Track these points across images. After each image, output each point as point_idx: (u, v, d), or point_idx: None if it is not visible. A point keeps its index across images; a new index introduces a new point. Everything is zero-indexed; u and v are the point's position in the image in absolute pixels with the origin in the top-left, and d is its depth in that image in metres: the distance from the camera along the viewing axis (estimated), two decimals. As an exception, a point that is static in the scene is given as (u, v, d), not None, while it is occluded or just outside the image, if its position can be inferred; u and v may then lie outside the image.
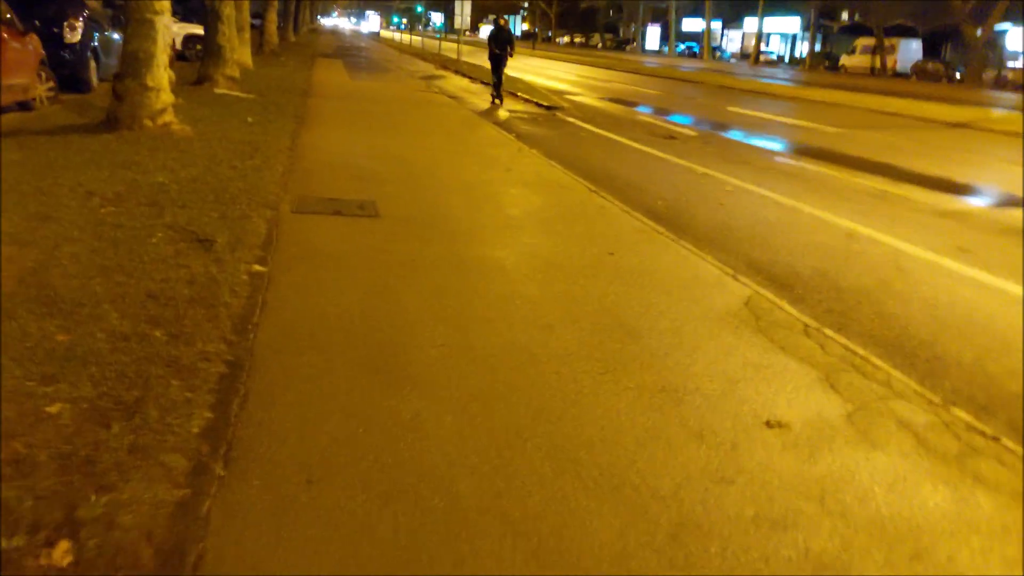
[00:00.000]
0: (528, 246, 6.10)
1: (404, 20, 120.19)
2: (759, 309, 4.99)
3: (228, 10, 15.18)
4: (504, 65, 19.39)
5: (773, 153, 13.75)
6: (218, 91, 14.70)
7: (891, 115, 21.14)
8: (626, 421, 3.40)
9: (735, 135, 16.21)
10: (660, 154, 12.52)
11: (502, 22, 20.59)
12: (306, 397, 3.38)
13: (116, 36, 14.94)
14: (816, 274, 6.18)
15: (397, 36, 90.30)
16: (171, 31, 21.01)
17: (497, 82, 19.55)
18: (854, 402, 3.74)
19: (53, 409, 3.01)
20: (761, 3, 59.72)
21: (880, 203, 9.37)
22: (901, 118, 20.48)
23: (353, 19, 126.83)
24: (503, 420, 3.32)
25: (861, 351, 4.40)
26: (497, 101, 19.33)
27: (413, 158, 9.89)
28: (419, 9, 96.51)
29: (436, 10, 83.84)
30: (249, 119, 11.68)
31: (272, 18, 30.63)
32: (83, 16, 13.46)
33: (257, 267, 5.00)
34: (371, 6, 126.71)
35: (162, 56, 9.37)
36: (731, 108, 22.46)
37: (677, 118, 18.86)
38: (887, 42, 51.08)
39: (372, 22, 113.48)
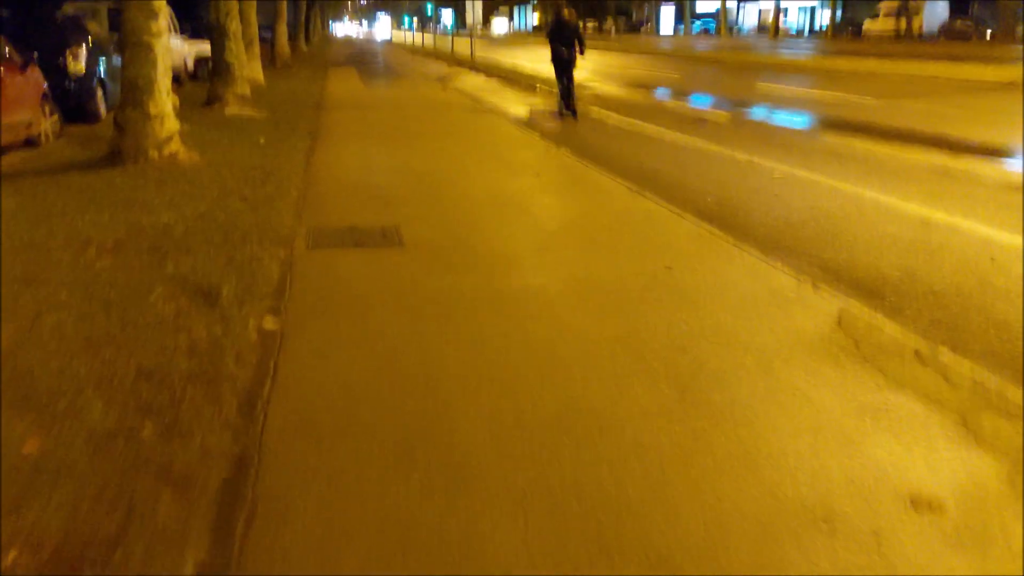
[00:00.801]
0: (573, 268, 5.39)
1: (415, 20, 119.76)
2: (855, 329, 4.25)
3: (235, 26, 14.61)
4: (573, 67, 14.62)
5: (813, 131, 12.89)
6: (229, 111, 14.13)
7: (930, 79, 20.10)
8: (731, 509, 2.69)
9: (766, 114, 15.36)
10: (695, 142, 11.74)
11: (566, 13, 15.02)
12: (327, 508, 2.71)
13: (120, 62, 14.49)
14: (904, 275, 5.41)
15: (408, 38, 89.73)
16: (173, 53, 20.59)
17: (566, 91, 14.66)
18: (1008, 456, 3.00)
19: (6, 560, 2.37)
20: (777, -26, 58.32)
21: (945, 181, 8.54)
22: (941, 82, 19.46)
23: (364, 23, 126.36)
24: (579, 525, 2.62)
25: (992, 379, 3.64)
26: (566, 114, 14.71)
27: (434, 169, 9.22)
28: (429, 8, 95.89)
29: (446, 7, 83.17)
30: (261, 140, 11.08)
31: (282, 30, 30.14)
32: (85, 43, 12.94)
33: (268, 323, 4.34)
34: (380, 8, 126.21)
35: (164, 81, 8.77)
36: (759, 84, 21.54)
37: (704, 100, 18.03)
38: (912, 3, 49.48)
39: (383, 26, 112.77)
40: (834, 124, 13.41)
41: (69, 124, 11.91)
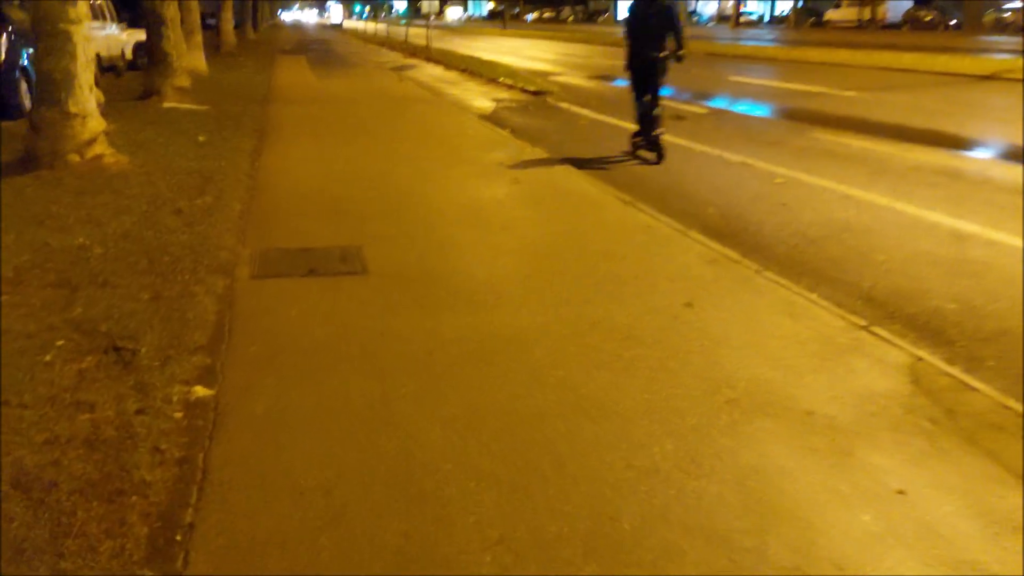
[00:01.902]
0: (573, 304, 4.48)
1: (368, 8, 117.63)
2: (938, 390, 3.42)
3: (171, 12, 13.39)
4: (663, 78, 9.18)
5: (801, 127, 12.11)
6: (166, 105, 12.93)
7: (907, 72, 19.53)
8: None
9: (747, 109, 14.60)
10: (678, 141, 10.90)
11: None
12: None
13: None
14: (963, 308, 4.60)
15: (360, 26, 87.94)
16: (111, 41, 19.28)
17: (645, 115, 9.29)
18: None
19: None
20: (735, -38, 57.96)
21: (960, 185, 7.81)
22: (919, 74, 18.89)
23: (318, 12, 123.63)
24: None
25: None
26: (644, 154, 9.44)
27: (399, 175, 8.24)
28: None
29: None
30: (201, 138, 9.97)
31: (228, 17, 28.73)
32: (6, 31, 11.66)
33: (199, 391, 3.37)
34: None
35: (85, 75, 7.65)
36: (732, 78, 20.81)
37: (676, 94, 17.22)
38: (877, -9, 49.25)
39: (335, 13, 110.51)
40: (820, 120, 12.68)
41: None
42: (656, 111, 9.23)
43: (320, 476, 2.78)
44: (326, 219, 6.35)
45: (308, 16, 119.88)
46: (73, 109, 7.55)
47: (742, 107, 14.99)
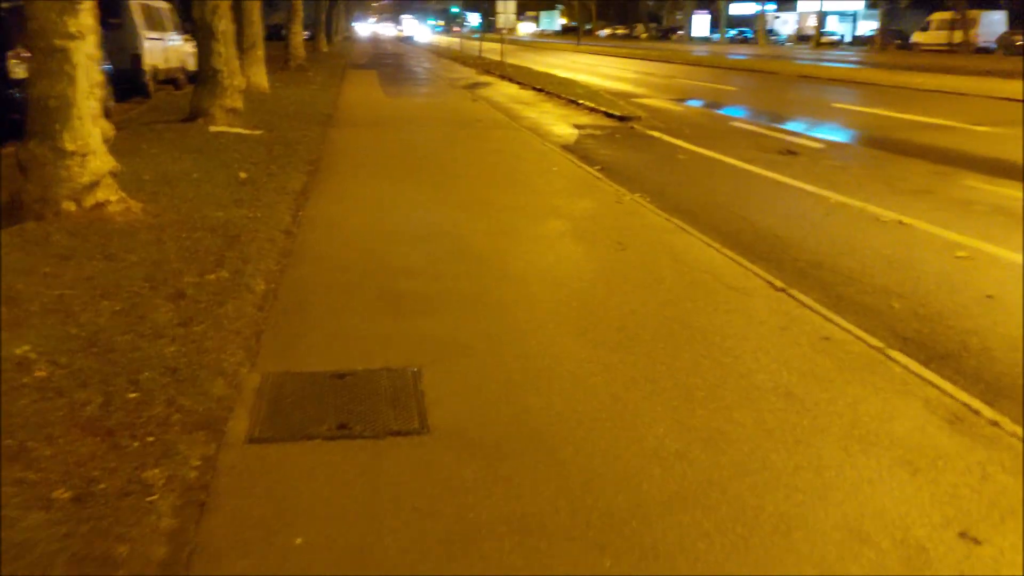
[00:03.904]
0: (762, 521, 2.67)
1: (440, 23, 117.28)
2: None
3: (223, 24, 11.95)
4: None
5: (945, 171, 10.05)
6: (214, 129, 11.49)
7: (1026, 103, 17.25)
8: None
9: (867, 143, 12.56)
10: (803, 184, 9.04)
11: None
12: None
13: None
14: None
15: (434, 39, 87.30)
16: (170, 52, 18.07)
17: None
18: None
19: None
20: (821, -19, 55.42)
21: None
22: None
23: (391, 24, 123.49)
24: None
25: None
26: None
27: (473, 230, 6.54)
28: (454, 10, 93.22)
29: (472, 10, 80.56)
30: (242, 174, 8.42)
31: (297, 30, 27.56)
32: (37, 44, 10.34)
33: None
34: (405, 9, 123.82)
35: (87, 103, 6.13)
36: (835, 104, 18.72)
37: (779, 121, 15.24)
38: (969, 14, 46.22)
39: (408, 26, 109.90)
40: (962, 161, 10.65)
41: (9, 143, 9.31)
42: None
43: None
44: (376, 311, 4.64)
45: (383, 28, 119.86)
46: (69, 145, 6.03)
47: (859, 140, 12.98)
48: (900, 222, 7.28)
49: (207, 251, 5.56)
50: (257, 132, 11.65)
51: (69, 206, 6.06)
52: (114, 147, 10.02)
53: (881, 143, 12.49)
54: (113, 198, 6.36)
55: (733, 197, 8.48)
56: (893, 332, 4.51)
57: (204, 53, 11.98)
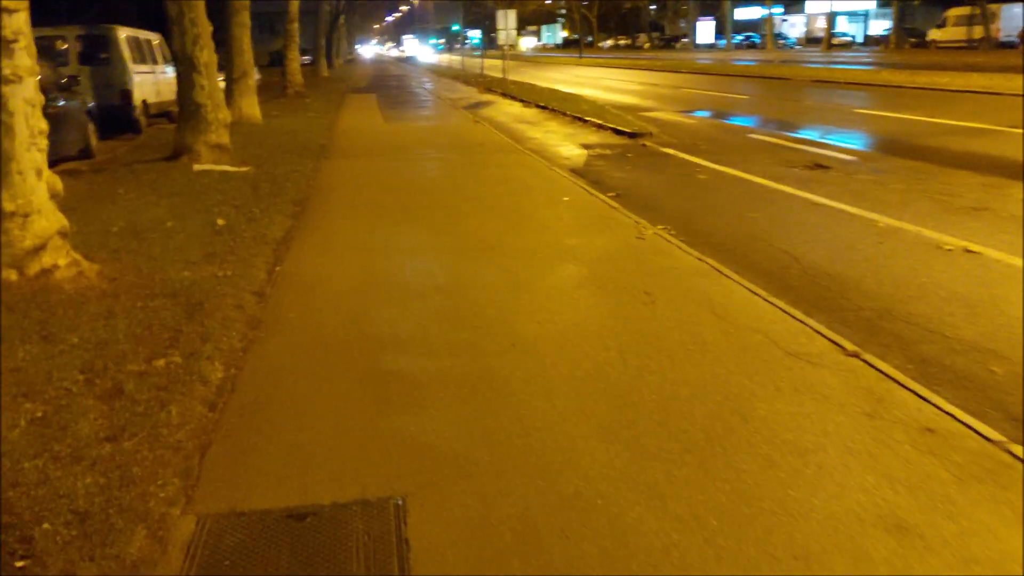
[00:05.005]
0: None
1: (441, 41, 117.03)
2: None
3: (206, 56, 11.17)
4: None
5: (994, 183, 9.13)
6: (198, 167, 10.70)
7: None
8: None
9: (902, 153, 11.63)
10: (840, 205, 8.17)
11: None
12: None
13: (63, 103, 11.13)
14: None
15: (435, 58, 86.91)
16: (162, 85, 17.37)
17: None
18: None
19: None
20: (828, -19, 54.56)
21: None
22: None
23: (392, 44, 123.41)
24: None
25: None
26: None
27: (477, 284, 5.67)
28: (455, 28, 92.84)
29: (473, 27, 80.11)
30: (220, 221, 7.60)
31: (293, 56, 26.91)
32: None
33: None
34: (406, 29, 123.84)
35: (28, 154, 5.32)
36: (859, 110, 17.82)
37: (801, 131, 14.34)
38: (989, 8, 45.11)
39: (409, 47, 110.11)
40: (1009, 170, 9.73)
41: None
42: None
43: None
44: (354, 405, 3.77)
45: (386, 50, 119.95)
46: (8, 205, 5.22)
47: (892, 150, 12.05)
48: (967, 250, 6.38)
49: (162, 326, 4.71)
50: (244, 169, 10.86)
51: (9, 275, 5.24)
52: (89, 193, 9.29)
53: (916, 152, 11.58)
54: (62, 262, 5.54)
55: (767, 225, 7.59)
56: (1007, 414, 3.61)
57: (185, 87, 11.20)
